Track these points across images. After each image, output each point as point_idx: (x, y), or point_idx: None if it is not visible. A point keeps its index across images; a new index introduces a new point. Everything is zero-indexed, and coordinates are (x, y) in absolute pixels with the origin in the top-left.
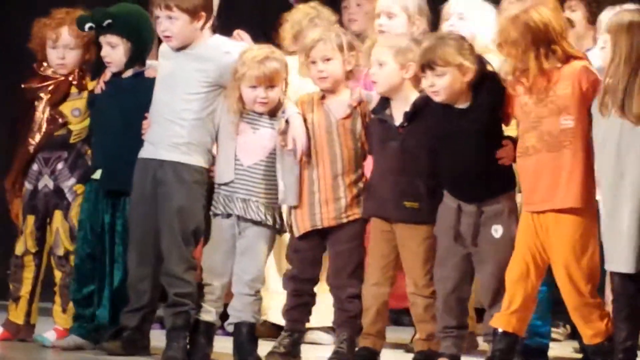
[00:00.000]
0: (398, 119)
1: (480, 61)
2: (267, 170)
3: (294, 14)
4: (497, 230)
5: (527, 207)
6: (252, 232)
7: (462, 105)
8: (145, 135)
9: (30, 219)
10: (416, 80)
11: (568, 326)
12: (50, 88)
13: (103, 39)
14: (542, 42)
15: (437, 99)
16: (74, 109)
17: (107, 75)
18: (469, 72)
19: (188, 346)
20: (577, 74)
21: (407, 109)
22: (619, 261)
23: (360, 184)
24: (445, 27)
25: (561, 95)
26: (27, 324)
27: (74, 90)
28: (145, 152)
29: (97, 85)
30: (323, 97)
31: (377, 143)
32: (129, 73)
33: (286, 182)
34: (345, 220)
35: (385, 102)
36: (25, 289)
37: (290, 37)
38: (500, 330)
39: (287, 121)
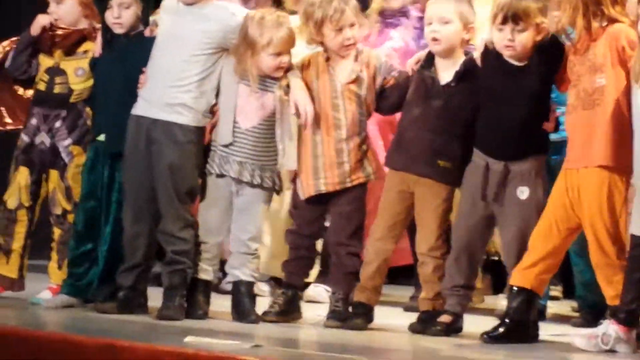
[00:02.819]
0: (444, 78)
1: None
2: (265, 133)
3: None
4: (524, 192)
5: (565, 164)
6: (250, 192)
7: (521, 63)
8: (140, 91)
9: (25, 172)
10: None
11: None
12: (62, 33)
13: (116, 1)
14: (591, 1)
15: (509, 53)
16: (78, 68)
17: (99, 40)
18: (542, 33)
19: (185, 305)
20: (615, 35)
21: (455, 68)
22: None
23: (364, 147)
24: None
25: (599, 54)
26: (20, 278)
27: (82, 48)
28: (139, 109)
29: (95, 49)
30: (328, 60)
31: (417, 100)
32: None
33: (286, 145)
34: (349, 185)
35: (431, 58)
36: (17, 243)
37: None
38: (515, 287)
39: (287, 85)
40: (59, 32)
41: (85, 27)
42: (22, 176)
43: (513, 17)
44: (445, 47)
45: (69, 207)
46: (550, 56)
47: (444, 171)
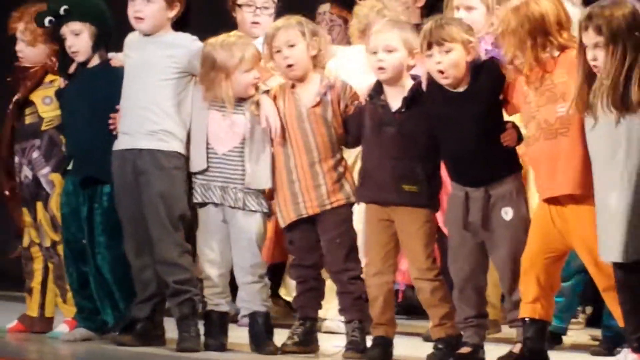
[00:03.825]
0: (394, 105)
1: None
2: (242, 156)
3: (359, 9)
4: (508, 213)
5: (540, 195)
6: (239, 218)
7: (461, 88)
8: (118, 127)
9: (25, 211)
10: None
11: (587, 308)
12: (24, 75)
13: (66, 29)
14: (538, 32)
15: (444, 79)
16: (45, 97)
17: (71, 68)
18: (472, 51)
19: (202, 334)
20: (574, 62)
21: (404, 94)
22: (611, 250)
23: (340, 169)
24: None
25: (558, 83)
26: (41, 317)
27: (48, 78)
28: (121, 144)
29: (61, 81)
30: (293, 86)
31: (372, 129)
32: (95, 61)
33: (254, 165)
34: (329, 207)
35: (379, 87)
36: (36, 281)
37: (357, 32)
38: (527, 318)
39: (257, 103)
40: (28, 72)
41: (46, 61)
42: (26, 216)
43: (437, 41)
44: (391, 75)
45: (57, 238)
46: (489, 78)
47: (411, 195)
